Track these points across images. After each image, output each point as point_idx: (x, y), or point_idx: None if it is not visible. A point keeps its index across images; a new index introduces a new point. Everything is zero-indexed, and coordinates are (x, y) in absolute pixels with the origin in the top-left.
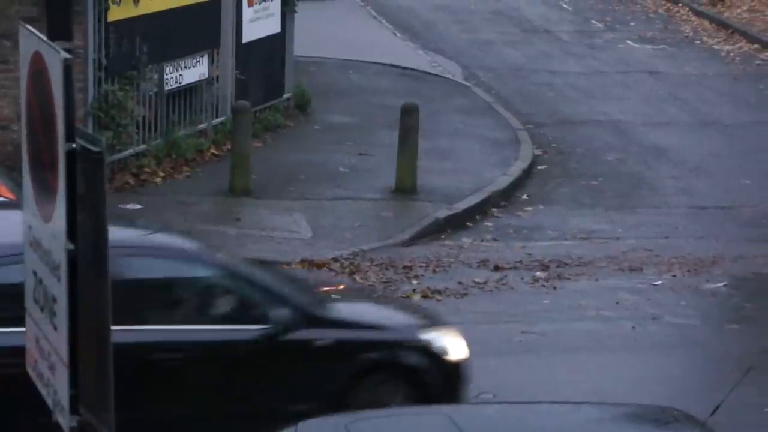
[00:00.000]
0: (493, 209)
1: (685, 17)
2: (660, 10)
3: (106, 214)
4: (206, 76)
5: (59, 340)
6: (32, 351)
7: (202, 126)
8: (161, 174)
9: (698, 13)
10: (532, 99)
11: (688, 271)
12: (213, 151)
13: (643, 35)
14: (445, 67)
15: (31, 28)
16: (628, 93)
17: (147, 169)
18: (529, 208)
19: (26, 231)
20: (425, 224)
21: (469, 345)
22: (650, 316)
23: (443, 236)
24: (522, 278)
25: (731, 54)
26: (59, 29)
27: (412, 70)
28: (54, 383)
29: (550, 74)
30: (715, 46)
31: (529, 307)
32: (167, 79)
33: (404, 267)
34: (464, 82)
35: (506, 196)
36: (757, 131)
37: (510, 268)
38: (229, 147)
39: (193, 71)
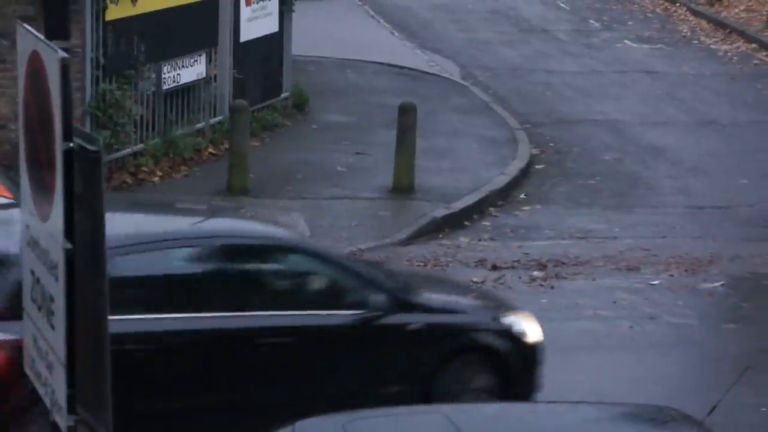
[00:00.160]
0: (491, 208)
1: (682, 17)
2: (657, 10)
3: (104, 213)
4: (204, 75)
5: (57, 340)
6: (30, 350)
7: (199, 125)
8: (159, 173)
9: (696, 13)
10: (530, 98)
11: (686, 270)
12: (211, 150)
13: (640, 35)
14: (442, 67)
15: (28, 27)
16: (626, 92)
17: (145, 169)
18: (527, 208)
19: (24, 230)
20: (423, 223)
21: None
22: (647, 315)
23: (441, 235)
24: (519, 278)
25: (729, 54)
26: (57, 28)
27: (410, 69)
28: (51, 382)
29: (548, 74)
30: (713, 46)
31: (527, 307)
32: (165, 78)
33: None
34: (462, 82)
35: (503, 196)
36: (755, 131)
37: (507, 268)
38: (227, 146)
39: (190, 70)
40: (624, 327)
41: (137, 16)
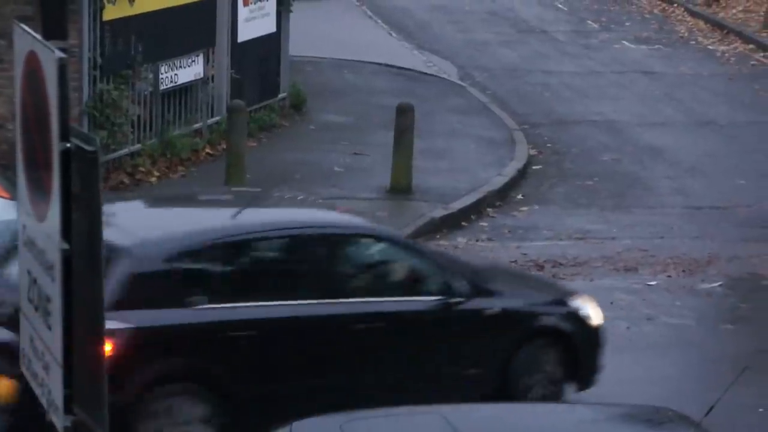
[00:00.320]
0: (489, 209)
1: (680, 18)
2: (655, 11)
3: (101, 213)
4: (201, 75)
5: (53, 340)
6: (26, 350)
7: (197, 125)
8: (156, 173)
9: (693, 14)
10: (528, 99)
11: (683, 271)
12: (208, 150)
13: (638, 35)
14: (440, 67)
15: (25, 27)
16: (624, 93)
17: (142, 169)
18: (525, 208)
19: (21, 230)
20: (420, 224)
21: None
22: (645, 316)
23: (438, 236)
24: None
25: (726, 54)
26: (54, 28)
27: (408, 70)
28: (48, 383)
29: (546, 74)
30: (711, 47)
31: None
32: (162, 78)
33: None
34: (460, 82)
35: (501, 196)
36: (753, 131)
37: None
38: (224, 146)
39: (188, 71)
40: (622, 328)
41: (135, 16)
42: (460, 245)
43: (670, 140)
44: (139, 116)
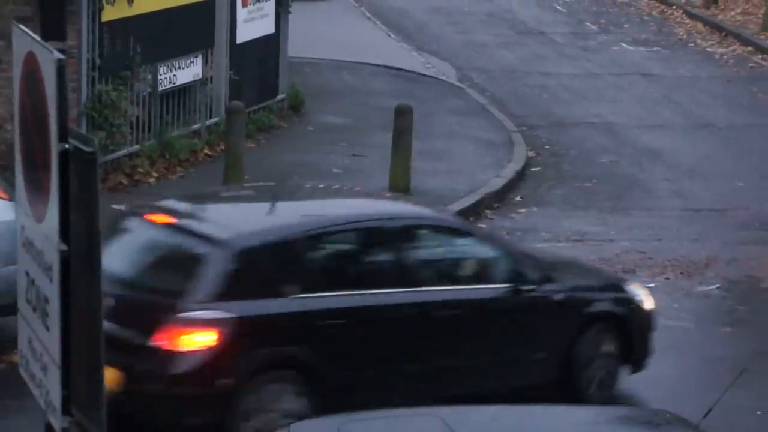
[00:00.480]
0: (487, 211)
1: (678, 20)
2: (654, 13)
3: (99, 214)
4: (200, 76)
5: (51, 341)
6: (24, 351)
7: (195, 126)
8: (155, 174)
9: (692, 16)
10: (526, 101)
11: (682, 273)
12: (206, 151)
13: (636, 37)
14: (439, 69)
15: (24, 27)
16: (622, 95)
17: (140, 170)
18: (523, 210)
19: (19, 231)
20: None
21: None
22: None
23: None
24: None
25: (725, 56)
26: (53, 29)
27: (406, 71)
28: (46, 384)
29: (544, 76)
30: (709, 49)
31: None
32: (161, 79)
33: None
34: (458, 84)
35: (500, 198)
36: (751, 134)
37: None
38: (223, 148)
39: (187, 72)
40: None
41: (133, 17)
42: None
43: (669, 142)
44: (137, 117)
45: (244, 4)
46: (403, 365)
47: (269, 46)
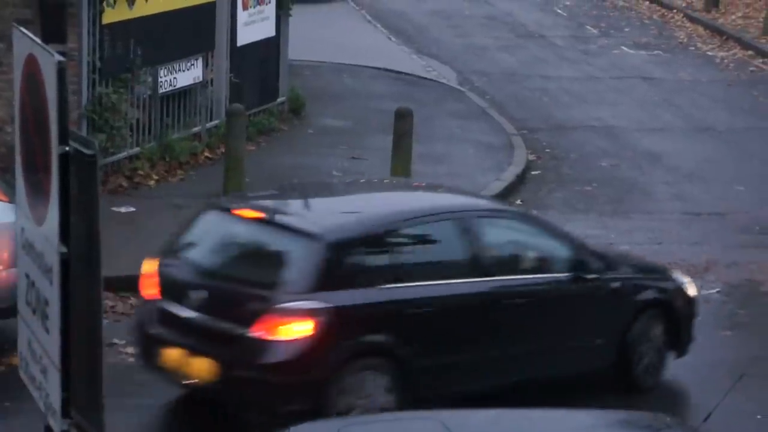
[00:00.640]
0: None
1: (679, 23)
2: (654, 16)
3: (99, 216)
4: (200, 79)
5: (51, 343)
6: (24, 354)
7: (196, 129)
8: (155, 177)
9: (693, 20)
10: (526, 104)
11: None
12: (207, 154)
13: (637, 41)
14: (439, 72)
15: (24, 30)
16: (623, 98)
17: (140, 172)
18: None
19: (19, 233)
20: None
21: None
22: None
23: None
24: None
25: (725, 60)
26: (53, 31)
27: (407, 74)
28: (46, 386)
29: (545, 79)
30: (710, 53)
31: None
32: (161, 81)
33: None
34: (458, 87)
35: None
36: (752, 137)
37: None
38: (223, 150)
39: (187, 74)
40: None
41: (134, 19)
42: None
43: (669, 146)
44: (138, 120)
45: (245, 7)
46: (481, 352)
47: (270, 49)
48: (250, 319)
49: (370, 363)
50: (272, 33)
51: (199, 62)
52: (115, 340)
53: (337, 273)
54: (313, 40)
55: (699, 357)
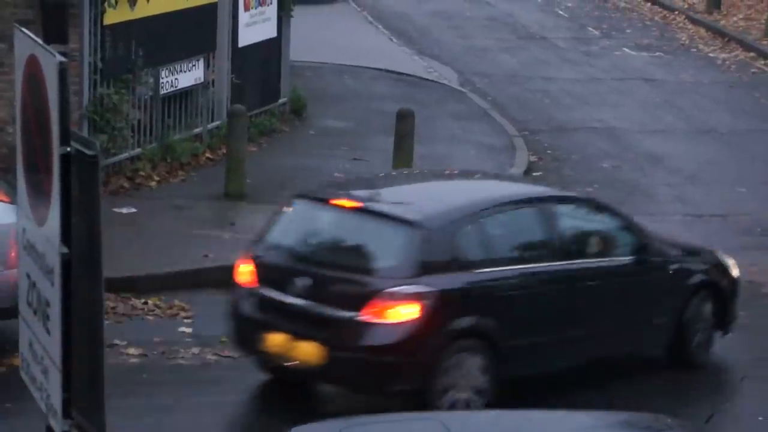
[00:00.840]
0: None
1: (681, 25)
2: (656, 18)
3: (100, 217)
4: (202, 80)
5: (52, 344)
6: (25, 354)
7: (197, 130)
8: (156, 178)
9: (694, 21)
10: (528, 105)
11: None
12: (208, 155)
13: (639, 43)
14: (440, 73)
15: (26, 31)
16: (624, 100)
17: (142, 173)
18: None
19: (20, 234)
20: None
21: None
22: None
23: None
24: None
25: (727, 62)
26: (55, 32)
27: (408, 75)
28: (47, 387)
29: (546, 81)
30: (711, 54)
31: None
32: (163, 82)
33: None
34: (460, 88)
35: None
36: (753, 139)
37: None
38: (225, 151)
39: (188, 75)
40: None
41: (135, 20)
42: None
43: (671, 148)
44: (139, 120)
45: (246, 8)
46: (564, 332)
47: (271, 50)
48: (357, 304)
49: (466, 344)
50: (274, 34)
51: (201, 63)
52: (116, 341)
53: (438, 258)
54: (314, 41)
55: None
